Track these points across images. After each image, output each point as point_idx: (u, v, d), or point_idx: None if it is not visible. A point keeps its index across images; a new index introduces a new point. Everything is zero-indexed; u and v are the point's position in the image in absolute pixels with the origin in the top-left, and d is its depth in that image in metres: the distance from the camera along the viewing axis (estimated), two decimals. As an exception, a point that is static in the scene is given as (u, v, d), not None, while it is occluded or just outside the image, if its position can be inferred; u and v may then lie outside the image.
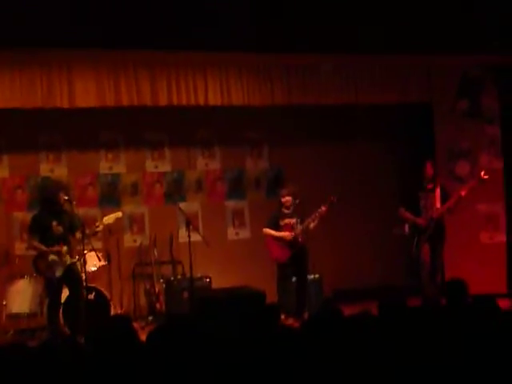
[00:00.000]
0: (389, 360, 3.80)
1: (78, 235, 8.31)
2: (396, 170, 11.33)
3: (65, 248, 8.32)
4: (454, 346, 4.04)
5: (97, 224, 8.67)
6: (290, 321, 8.86)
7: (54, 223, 8.31)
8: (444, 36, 9.82)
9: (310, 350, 3.85)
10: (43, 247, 8.30)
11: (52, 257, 8.28)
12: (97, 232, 8.67)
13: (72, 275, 8.41)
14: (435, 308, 4.98)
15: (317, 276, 9.94)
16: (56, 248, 8.29)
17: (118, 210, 9.34)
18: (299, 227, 9.17)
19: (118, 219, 8.85)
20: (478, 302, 4.72)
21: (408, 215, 9.12)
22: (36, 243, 8.33)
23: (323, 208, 9.07)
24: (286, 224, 9.25)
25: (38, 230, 8.34)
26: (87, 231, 8.29)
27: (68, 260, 8.34)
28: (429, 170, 9.09)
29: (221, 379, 3.59)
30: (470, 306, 4.83)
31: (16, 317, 9.11)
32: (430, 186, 9.08)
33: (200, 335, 3.98)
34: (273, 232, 9.26)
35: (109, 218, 8.68)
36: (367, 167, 11.35)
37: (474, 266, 10.14)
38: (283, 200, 9.28)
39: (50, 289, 8.42)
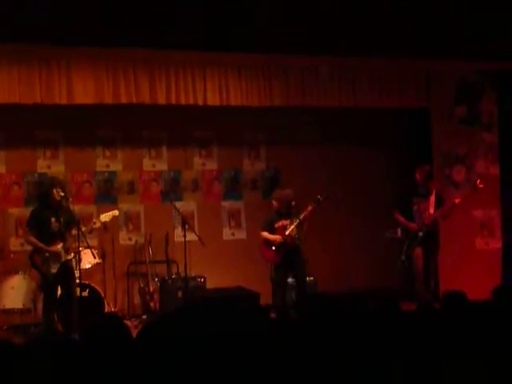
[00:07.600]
0: (382, 362, 3.81)
1: (74, 232, 8.30)
2: (392, 174, 11.32)
3: (61, 245, 8.34)
4: (445, 349, 4.04)
5: (94, 221, 8.71)
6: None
7: (53, 219, 8.33)
8: (443, 41, 9.85)
9: (301, 347, 3.86)
10: (40, 244, 8.30)
11: (48, 254, 8.29)
12: (93, 229, 8.71)
13: (66, 272, 8.42)
14: (429, 313, 4.98)
15: (311, 279, 9.94)
16: (53, 248, 8.30)
17: (114, 208, 9.35)
18: (289, 228, 9.15)
19: (114, 217, 8.89)
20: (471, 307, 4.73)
21: (401, 219, 9.13)
22: (33, 239, 8.34)
23: (309, 207, 9.06)
24: (279, 226, 9.23)
25: (37, 224, 8.35)
26: (83, 229, 8.29)
27: (63, 257, 8.36)
28: (417, 175, 9.09)
29: (210, 378, 3.58)
30: (464, 312, 4.83)
31: (9, 312, 9.10)
32: (422, 191, 9.08)
33: (190, 334, 3.96)
34: (266, 235, 9.25)
35: (105, 216, 8.72)
36: (363, 170, 11.35)
37: (470, 272, 10.15)
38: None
39: (46, 285, 8.43)
